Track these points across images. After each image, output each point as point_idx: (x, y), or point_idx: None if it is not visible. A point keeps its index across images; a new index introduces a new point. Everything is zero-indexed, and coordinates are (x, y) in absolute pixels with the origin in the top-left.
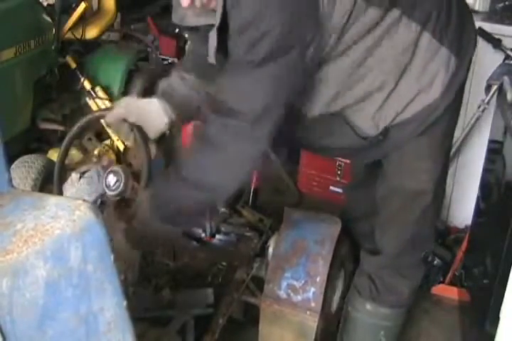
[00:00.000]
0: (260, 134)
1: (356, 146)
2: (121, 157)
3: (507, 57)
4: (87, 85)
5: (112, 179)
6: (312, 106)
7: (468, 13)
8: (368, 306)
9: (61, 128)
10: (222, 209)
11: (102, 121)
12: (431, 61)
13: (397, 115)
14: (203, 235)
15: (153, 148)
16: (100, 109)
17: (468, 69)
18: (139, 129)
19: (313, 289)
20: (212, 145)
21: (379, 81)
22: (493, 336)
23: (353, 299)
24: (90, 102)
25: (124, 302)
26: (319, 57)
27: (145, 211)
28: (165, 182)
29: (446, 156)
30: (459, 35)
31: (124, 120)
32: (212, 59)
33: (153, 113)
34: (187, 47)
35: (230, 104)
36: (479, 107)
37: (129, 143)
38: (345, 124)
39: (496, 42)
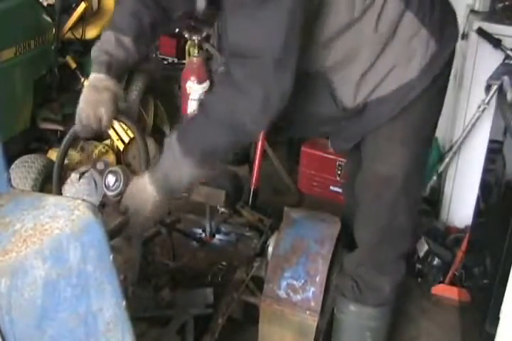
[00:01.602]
0: (283, 73)
1: (335, 118)
2: (120, 157)
3: (507, 57)
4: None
5: (111, 179)
6: (313, 59)
7: (451, 11)
8: (352, 307)
9: (61, 128)
10: (222, 209)
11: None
12: (411, 39)
13: (375, 88)
14: (203, 235)
15: (152, 148)
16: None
17: (449, 63)
18: (139, 130)
19: (313, 289)
20: (236, 89)
21: (361, 47)
22: (493, 336)
23: (338, 301)
24: None
25: (124, 302)
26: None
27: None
28: (192, 124)
29: (422, 145)
30: (441, 25)
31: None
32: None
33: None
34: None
35: (248, 44)
36: (479, 107)
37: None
38: (327, 92)
39: (496, 42)
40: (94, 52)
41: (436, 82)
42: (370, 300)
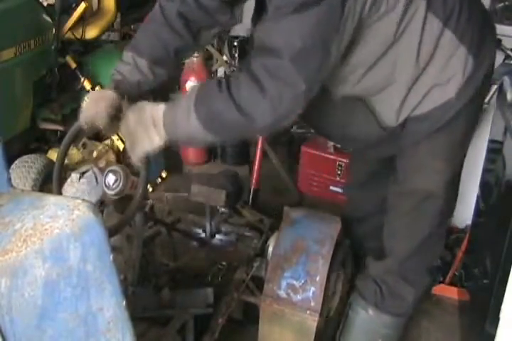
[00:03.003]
0: (297, 76)
1: (375, 137)
2: (120, 157)
3: (507, 57)
4: (87, 85)
5: (111, 178)
6: (338, 85)
7: (488, 21)
8: (371, 312)
9: (61, 128)
10: (222, 209)
11: None
12: (450, 59)
13: (416, 107)
14: (203, 235)
15: None
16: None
17: (487, 77)
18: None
19: (313, 289)
20: (252, 80)
21: (401, 70)
22: (493, 336)
23: (355, 303)
24: None
25: (124, 302)
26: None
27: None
28: (213, 90)
29: (460, 160)
30: (479, 40)
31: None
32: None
33: (151, 129)
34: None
35: (269, 42)
36: None
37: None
38: (367, 112)
39: (495, 42)
40: (113, 70)
41: (472, 103)
42: (391, 308)
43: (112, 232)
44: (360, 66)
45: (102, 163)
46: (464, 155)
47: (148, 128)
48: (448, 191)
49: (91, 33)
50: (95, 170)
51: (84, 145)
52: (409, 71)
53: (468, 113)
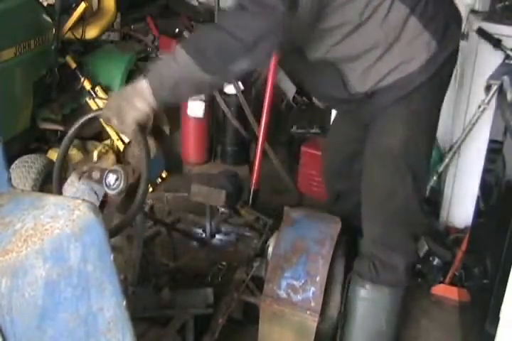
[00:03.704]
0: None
1: (344, 99)
2: (120, 156)
3: (507, 57)
4: (87, 85)
5: (111, 178)
6: (312, 49)
7: (455, 12)
8: (368, 286)
9: (61, 128)
10: (222, 209)
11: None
12: (413, 41)
13: (381, 80)
14: (203, 235)
15: (152, 147)
16: (97, 109)
17: (452, 57)
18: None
19: (313, 289)
20: (237, 8)
21: (370, 45)
22: (493, 336)
23: (354, 283)
24: (90, 102)
25: (124, 302)
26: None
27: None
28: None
29: (422, 130)
30: (444, 27)
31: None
32: None
33: (135, 99)
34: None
35: None
36: (479, 107)
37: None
38: (337, 77)
39: (495, 42)
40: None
41: (434, 78)
42: (385, 280)
43: (112, 233)
44: (329, 37)
45: (96, 175)
46: (428, 130)
47: (132, 99)
48: (405, 151)
49: (91, 33)
50: (91, 183)
51: (83, 148)
52: (376, 50)
53: (430, 86)
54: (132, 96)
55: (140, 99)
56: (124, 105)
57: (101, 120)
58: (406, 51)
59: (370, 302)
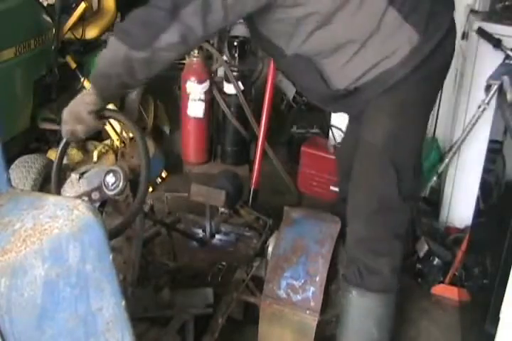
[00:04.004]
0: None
1: (326, 95)
2: (119, 156)
3: (507, 57)
4: (87, 85)
5: (110, 179)
6: (285, 43)
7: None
8: (354, 292)
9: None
10: (222, 209)
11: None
12: (393, 34)
13: (362, 76)
14: (203, 235)
15: (151, 147)
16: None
17: (438, 48)
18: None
19: (312, 288)
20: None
21: (343, 39)
22: (493, 336)
23: (343, 289)
24: None
25: (123, 302)
26: None
27: None
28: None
29: (405, 121)
30: (428, 19)
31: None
32: None
33: (80, 99)
34: None
35: None
36: (479, 107)
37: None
38: (316, 73)
39: (496, 42)
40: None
41: (418, 71)
42: (372, 285)
43: (112, 235)
44: (298, 29)
45: (95, 196)
46: (419, 120)
47: (78, 100)
48: (389, 144)
49: (91, 33)
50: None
51: (82, 148)
52: (351, 44)
53: (417, 77)
54: (78, 98)
55: (85, 96)
56: (74, 109)
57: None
58: (385, 46)
59: (357, 309)
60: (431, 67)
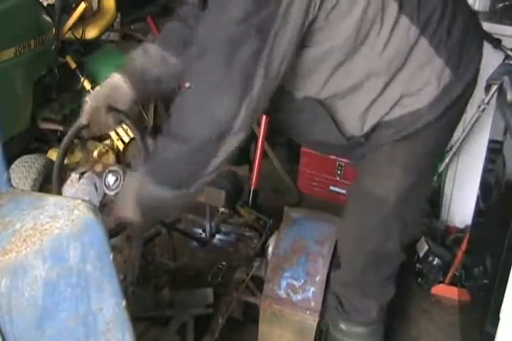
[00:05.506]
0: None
1: (337, 146)
2: (120, 157)
3: (507, 57)
4: (87, 85)
5: (111, 179)
6: (302, 86)
7: (475, 29)
8: (342, 326)
9: (61, 128)
10: (222, 209)
11: None
12: (423, 68)
13: (383, 116)
14: (203, 235)
15: (151, 145)
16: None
17: (465, 95)
18: (133, 124)
19: (312, 289)
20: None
21: (367, 76)
22: (493, 336)
23: (329, 317)
24: None
25: (123, 302)
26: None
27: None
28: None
29: (423, 174)
30: (460, 51)
31: (97, 108)
32: None
33: (117, 87)
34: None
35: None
36: (479, 107)
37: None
38: (331, 121)
39: (496, 42)
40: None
41: (447, 114)
42: (358, 320)
43: (112, 234)
44: (326, 61)
45: (98, 168)
46: (432, 170)
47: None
48: (401, 201)
49: (91, 33)
50: (92, 175)
51: (82, 148)
52: (377, 76)
53: (438, 127)
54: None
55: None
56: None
57: None
58: (414, 80)
59: (346, 339)
60: (456, 110)
